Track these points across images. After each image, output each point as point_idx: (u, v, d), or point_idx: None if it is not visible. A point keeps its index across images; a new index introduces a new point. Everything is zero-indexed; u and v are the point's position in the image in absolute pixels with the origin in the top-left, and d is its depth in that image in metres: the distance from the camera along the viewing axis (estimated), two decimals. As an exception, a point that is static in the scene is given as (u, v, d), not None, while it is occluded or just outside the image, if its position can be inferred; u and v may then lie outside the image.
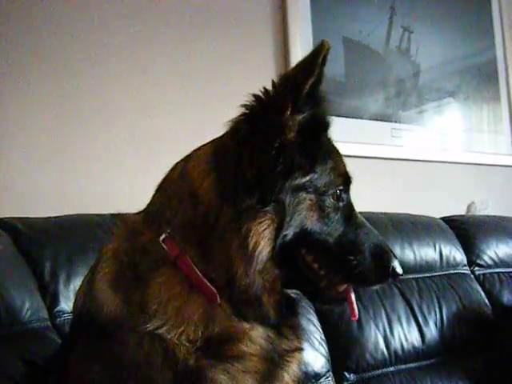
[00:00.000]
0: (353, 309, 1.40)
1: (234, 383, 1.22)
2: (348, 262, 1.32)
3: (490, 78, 4.30)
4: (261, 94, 1.29)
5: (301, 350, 1.41)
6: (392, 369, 2.59)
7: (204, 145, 1.41)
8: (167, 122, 2.75)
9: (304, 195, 1.28)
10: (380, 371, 2.56)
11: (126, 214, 1.44)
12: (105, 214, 2.12)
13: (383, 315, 2.65)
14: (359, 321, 2.57)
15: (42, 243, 1.97)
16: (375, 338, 2.58)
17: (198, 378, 1.19)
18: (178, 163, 1.41)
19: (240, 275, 1.23)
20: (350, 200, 1.41)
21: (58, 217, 2.11)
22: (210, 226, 1.26)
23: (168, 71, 2.82)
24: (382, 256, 1.36)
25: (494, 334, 2.84)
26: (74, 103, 2.54)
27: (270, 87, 1.29)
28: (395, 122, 3.65)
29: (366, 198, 3.28)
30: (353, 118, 3.44)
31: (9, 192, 2.34)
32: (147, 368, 1.19)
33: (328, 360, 2.45)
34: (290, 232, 1.26)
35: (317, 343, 2.44)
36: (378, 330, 2.60)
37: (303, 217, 1.28)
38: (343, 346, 2.53)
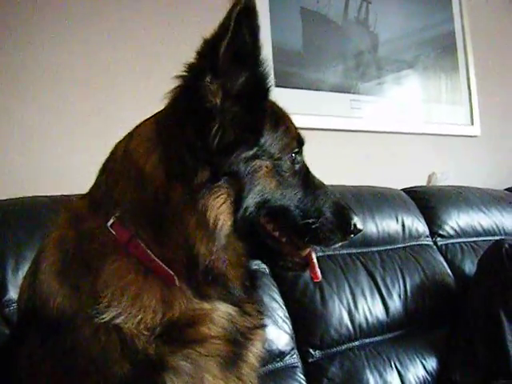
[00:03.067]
0: (315, 271, 1.40)
1: (196, 369, 1.17)
2: (310, 226, 1.32)
3: (449, 49, 4.29)
4: (190, 62, 1.21)
5: (264, 326, 1.38)
6: (357, 343, 2.57)
7: (145, 120, 1.33)
8: (124, 94, 2.65)
9: (259, 163, 1.24)
10: (345, 346, 2.54)
11: (69, 200, 1.36)
12: (56, 196, 2.02)
13: (347, 289, 2.63)
14: (323, 296, 2.54)
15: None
16: (339, 313, 2.55)
17: (159, 368, 1.14)
18: (119, 142, 1.33)
19: (203, 254, 1.18)
20: (304, 161, 1.40)
21: (4, 200, 1.99)
22: (161, 206, 1.19)
23: (123, 34, 2.71)
24: (343, 214, 1.37)
25: (457, 305, 2.83)
26: (23, 78, 2.42)
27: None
28: (354, 93, 3.61)
29: (326, 170, 3.24)
30: (312, 89, 3.38)
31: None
32: (104, 361, 1.12)
33: (292, 337, 2.42)
34: (250, 203, 1.22)
35: (280, 321, 2.40)
36: (342, 304, 2.57)
37: (262, 185, 1.24)
38: (307, 322, 2.50)
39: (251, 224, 1.24)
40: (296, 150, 1.34)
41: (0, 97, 2.35)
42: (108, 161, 1.32)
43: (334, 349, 2.50)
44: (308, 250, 1.38)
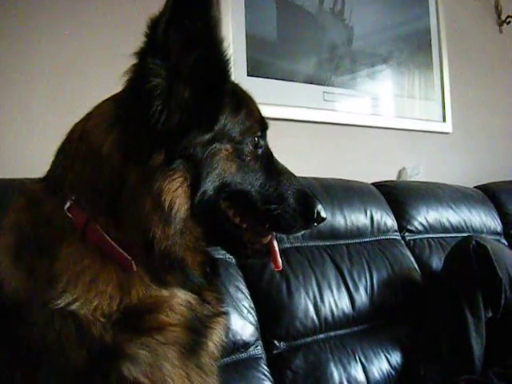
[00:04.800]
0: (277, 259, 1.37)
1: (154, 357, 1.14)
2: (272, 212, 1.29)
3: (423, 45, 4.28)
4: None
5: (224, 314, 1.36)
6: (322, 336, 2.55)
7: (104, 101, 1.30)
8: (90, 78, 2.58)
9: (218, 146, 1.21)
10: (310, 338, 2.52)
11: (24, 184, 1.31)
12: (16, 179, 1.96)
13: (313, 282, 2.60)
14: (289, 288, 2.52)
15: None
16: (305, 305, 2.53)
17: (115, 355, 1.10)
18: (77, 123, 1.29)
19: (159, 238, 1.14)
20: (267, 146, 1.37)
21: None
22: (117, 188, 1.16)
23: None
24: (306, 201, 1.34)
25: (423, 300, 2.84)
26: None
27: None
28: (328, 85, 3.57)
29: (297, 162, 3.24)
30: (285, 80, 3.35)
31: None
32: (59, 348, 1.08)
33: (257, 328, 2.40)
34: (208, 187, 1.19)
35: (245, 311, 2.37)
36: (308, 296, 2.55)
37: (221, 169, 1.21)
38: (272, 313, 2.47)
39: (211, 209, 1.21)
40: (258, 133, 1.31)
41: None
42: (64, 142, 1.28)
43: (299, 341, 2.48)
44: (269, 237, 1.36)
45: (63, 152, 1.27)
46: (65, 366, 1.08)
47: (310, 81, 3.47)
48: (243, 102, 1.32)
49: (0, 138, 2.36)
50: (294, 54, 3.41)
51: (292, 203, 1.32)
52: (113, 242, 1.15)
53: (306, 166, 3.28)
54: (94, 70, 2.61)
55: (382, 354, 2.62)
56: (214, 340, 1.30)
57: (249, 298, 2.43)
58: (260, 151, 1.31)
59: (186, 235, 1.19)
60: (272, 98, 3.23)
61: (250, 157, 1.27)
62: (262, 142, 1.32)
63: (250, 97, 1.37)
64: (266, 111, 3.12)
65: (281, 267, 1.37)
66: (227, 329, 1.39)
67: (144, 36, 1.15)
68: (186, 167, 1.16)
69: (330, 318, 2.58)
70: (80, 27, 2.61)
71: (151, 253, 1.15)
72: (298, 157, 3.28)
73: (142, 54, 1.15)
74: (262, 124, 1.35)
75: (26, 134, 2.41)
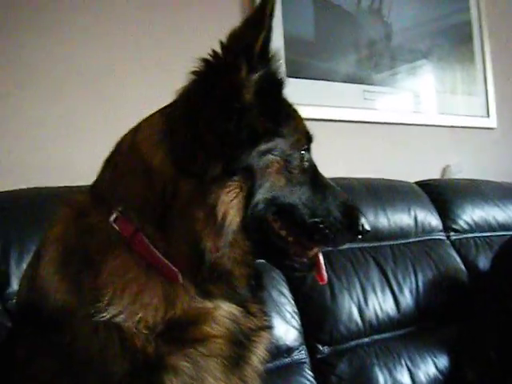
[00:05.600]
0: (322, 273, 1.37)
1: (197, 369, 1.14)
2: (318, 225, 1.29)
3: (464, 39, 4.20)
4: (210, 58, 1.20)
5: (269, 328, 1.35)
6: (367, 339, 2.53)
7: (152, 114, 1.30)
8: (134, 87, 2.60)
9: (271, 158, 1.21)
10: (354, 342, 2.49)
11: (70, 194, 1.32)
12: (62, 187, 1.99)
13: (357, 284, 2.58)
14: (332, 291, 2.50)
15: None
16: (349, 308, 2.50)
17: (157, 367, 1.10)
18: (125, 135, 1.30)
19: (209, 250, 1.14)
20: (312, 160, 1.36)
21: (9, 191, 1.96)
22: (169, 201, 1.16)
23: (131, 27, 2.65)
24: (351, 214, 1.35)
25: (470, 301, 2.78)
26: (28, 64, 2.37)
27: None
28: (368, 84, 3.53)
29: (338, 163, 3.23)
30: (324, 80, 3.31)
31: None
32: (103, 360, 1.09)
33: (301, 333, 2.39)
34: (260, 199, 1.19)
35: (288, 316, 2.37)
36: (352, 299, 2.53)
37: (272, 182, 1.21)
38: (316, 317, 2.46)
39: (259, 221, 1.21)
40: (305, 146, 1.31)
41: (4, 87, 2.32)
42: (113, 154, 1.29)
43: (343, 345, 2.46)
44: (315, 250, 1.35)
45: (111, 163, 1.28)
46: (108, 378, 1.09)
47: (349, 80, 3.43)
48: (291, 115, 1.32)
49: (46, 146, 2.38)
50: (333, 54, 3.38)
51: (338, 216, 1.31)
52: (159, 254, 1.15)
53: (347, 166, 3.26)
54: (137, 79, 2.63)
55: (428, 358, 2.57)
56: (258, 354, 1.29)
57: (292, 302, 2.42)
58: (306, 164, 1.30)
59: (235, 248, 1.19)
60: (311, 98, 3.21)
61: (297, 170, 1.26)
62: (307, 156, 1.32)
63: (295, 109, 1.36)
64: (305, 112, 3.13)
65: (326, 281, 1.37)
66: (271, 343, 1.37)
67: (228, 49, 1.18)
68: (243, 178, 1.16)
69: (374, 321, 2.55)
70: (122, 35, 2.64)
71: (200, 265, 1.15)
72: (339, 157, 3.27)
73: (230, 69, 1.17)
74: (307, 137, 1.34)
75: (72, 141, 2.44)
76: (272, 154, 1.21)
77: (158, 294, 1.14)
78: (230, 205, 1.14)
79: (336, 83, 3.38)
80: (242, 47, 1.16)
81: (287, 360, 2.30)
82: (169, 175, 1.17)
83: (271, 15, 1.17)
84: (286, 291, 2.42)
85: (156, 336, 1.11)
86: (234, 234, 1.17)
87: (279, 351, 2.27)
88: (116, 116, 2.52)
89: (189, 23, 2.80)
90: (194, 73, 1.21)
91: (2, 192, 1.95)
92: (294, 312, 2.40)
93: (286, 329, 2.32)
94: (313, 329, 2.44)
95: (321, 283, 1.40)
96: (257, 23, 1.16)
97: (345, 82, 3.41)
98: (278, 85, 1.28)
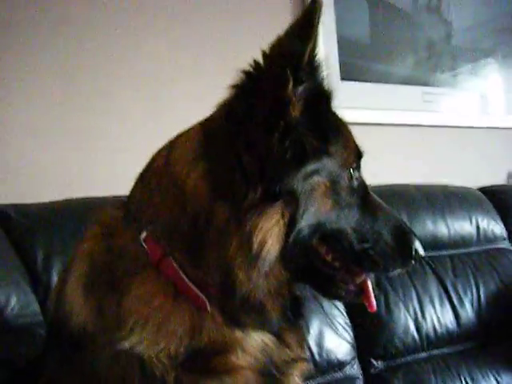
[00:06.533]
0: (371, 300, 1.25)
1: None
2: (367, 251, 1.19)
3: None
4: (251, 70, 1.10)
5: (304, 360, 1.26)
6: (424, 354, 2.44)
7: (190, 128, 1.22)
8: (182, 96, 2.58)
9: (317, 179, 1.11)
10: (410, 357, 2.41)
11: (103, 208, 1.28)
12: (106, 197, 1.97)
13: (414, 296, 2.49)
14: (387, 303, 2.42)
15: (34, 231, 1.83)
16: (405, 321, 2.42)
17: None
18: (160, 150, 1.22)
19: (241, 280, 1.06)
20: (362, 178, 1.25)
21: (53, 202, 1.97)
22: (201, 225, 1.09)
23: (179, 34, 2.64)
24: (403, 238, 1.23)
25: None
26: (80, 78, 2.38)
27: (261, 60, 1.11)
28: (427, 85, 3.41)
29: (395, 168, 3.12)
30: (380, 82, 3.22)
31: (10, 175, 2.20)
32: None
33: (353, 347, 2.31)
34: (304, 225, 1.09)
35: (340, 328, 2.29)
36: (408, 312, 2.44)
37: (318, 206, 1.11)
38: (370, 330, 2.38)
39: (302, 247, 1.12)
40: (354, 164, 1.20)
41: (52, 100, 2.34)
42: (146, 170, 1.23)
43: (399, 360, 2.37)
44: (363, 276, 1.24)
45: (144, 181, 1.21)
46: None
47: (407, 82, 3.33)
48: (340, 131, 1.22)
49: (94, 155, 2.39)
50: (389, 55, 3.28)
51: (389, 241, 1.21)
52: (187, 280, 1.09)
53: (405, 171, 3.14)
54: (185, 89, 2.60)
55: (491, 376, 2.45)
56: None
57: (344, 314, 2.34)
58: (356, 184, 1.20)
59: (270, 279, 1.10)
60: (367, 102, 3.12)
61: (346, 191, 1.17)
62: (357, 174, 1.22)
63: (345, 124, 1.27)
64: (360, 116, 3.04)
65: (375, 308, 1.26)
66: (305, 375, 1.27)
67: (272, 60, 1.09)
68: (285, 203, 1.07)
69: (432, 335, 2.45)
70: (172, 41, 2.62)
71: (230, 295, 1.08)
72: (396, 162, 3.16)
73: (276, 83, 1.07)
74: (357, 154, 1.24)
75: (123, 148, 2.44)
76: (319, 175, 1.12)
77: (184, 323, 1.08)
78: (269, 232, 1.06)
79: (393, 85, 3.27)
80: (288, 58, 1.07)
81: (339, 375, 2.24)
82: (203, 199, 1.09)
83: (319, 22, 1.07)
84: (339, 302, 2.33)
85: (178, 365, 1.06)
86: (270, 264, 1.08)
87: (330, 365, 2.21)
88: (164, 128, 2.49)
89: (243, 30, 2.77)
90: (234, 86, 1.12)
91: (45, 203, 1.95)
92: (347, 324, 2.32)
93: (337, 342, 2.25)
94: (366, 342, 2.36)
95: (370, 311, 1.30)
96: (304, 31, 1.07)
97: (402, 83, 3.31)
98: (327, 97, 1.19)
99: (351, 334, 2.31)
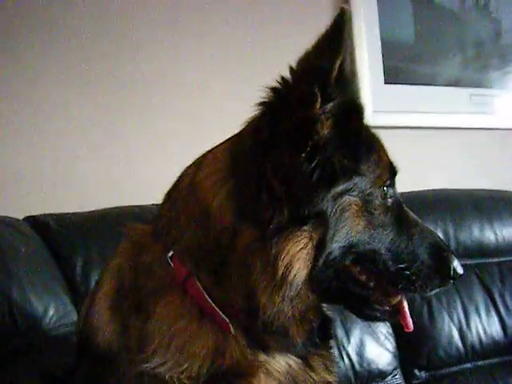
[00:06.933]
0: (407, 321, 1.23)
1: None
2: (402, 271, 1.15)
3: None
4: (279, 86, 1.08)
5: None
6: (469, 365, 2.38)
7: (217, 146, 1.20)
8: (217, 106, 2.58)
9: (348, 200, 1.08)
10: (455, 368, 2.36)
11: (135, 224, 1.29)
12: (145, 206, 1.99)
13: (459, 305, 2.43)
14: (431, 312, 2.37)
15: (73, 241, 1.87)
16: (449, 330, 2.37)
17: None
18: (188, 168, 1.22)
19: (264, 304, 1.04)
20: (397, 195, 1.21)
21: (92, 211, 2.00)
22: (225, 248, 1.07)
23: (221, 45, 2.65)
24: (441, 257, 1.20)
25: None
26: (122, 91, 2.43)
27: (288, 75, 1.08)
28: (475, 87, 3.31)
29: (441, 173, 3.04)
30: (425, 84, 3.15)
31: (49, 185, 2.26)
32: None
33: (395, 356, 2.28)
34: (334, 248, 1.07)
35: (382, 338, 2.27)
36: (453, 321, 2.38)
37: (349, 227, 1.08)
38: (412, 340, 2.32)
39: (334, 270, 1.09)
40: (388, 182, 1.17)
41: (99, 112, 2.39)
42: (172, 189, 1.22)
43: (442, 370, 2.33)
44: (399, 297, 1.21)
45: (170, 200, 1.21)
46: None
47: (454, 83, 3.25)
48: (373, 147, 1.18)
49: (134, 164, 2.43)
50: (435, 56, 3.20)
51: (426, 260, 1.17)
52: (211, 302, 1.08)
53: (452, 176, 3.07)
54: (226, 95, 2.61)
55: (540, 389, 2.36)
56: None
57: (387, 323, 2.28)
58: (389, 202, 1.17)
59: (295, 303, 1.07)
60: (412, 105, 3.06)
61: (379, 210, 1.14)
62: (391, 191, 1.18)
63: (378, 139, 1.23)
64: (405, 120, 2.97)
65: (411, 329, 1.24)
66: None
67: (300, 78, 1.06)
68: (313, 226, 1.04)
69: (477, 345, 2.39)
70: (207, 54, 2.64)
71: (253, 319, 1.07)
72: (442, 167, 3.09)
73: (303, 101, 1.04)
74: (391, 170, 1.20)
75: (162, 158, 2.46)
76: (349, 195, 1.08)
77: (208, 344, 1.07)
78: (296, 257, 1.03)
79: (439, 87, 3.20)
80: (316, 74, 1.04)
81: (380, 385, 2.19)
82: (228, 222, 1.07)
83: (347, 34, 1.05)
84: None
85: None
86: (297, 288, 1.05)
87: (371, 375, 2.18)
88: (199, 137, 2.51)
89: (280, 38, 2.75)
90: (261, 103, 1.09)
91: (84, 212, 1.99)
92: (389, 333, 2.29)
93: (378, 352, 2.22)
94: (409, 352, 2.32)
95: (406, 331, 1.26)
96: (332, 45, 1.04)
97: (449, 85, 3.23)
98: (358, 113, 1.15)
99: (393, 343, 2.28)
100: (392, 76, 3.02)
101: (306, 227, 1.04)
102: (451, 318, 2.37)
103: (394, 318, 1.24)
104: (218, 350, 1.07)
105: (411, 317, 2.28)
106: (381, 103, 2.92)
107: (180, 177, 1.22)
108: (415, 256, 1.17)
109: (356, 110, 1.15)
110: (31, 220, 1.92)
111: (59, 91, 2.30)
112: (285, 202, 1.03)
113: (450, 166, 3.14)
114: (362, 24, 2.93)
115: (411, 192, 2.67)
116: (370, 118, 2.96)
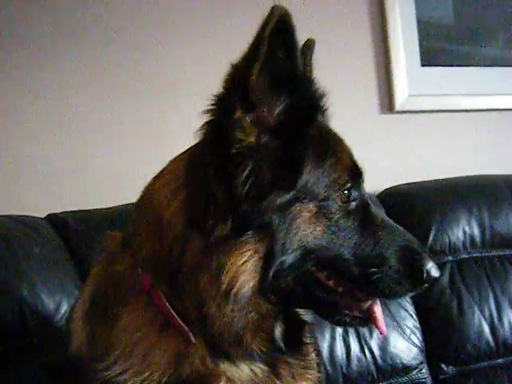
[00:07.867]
0: (379, 326, 1.18)
1: None
2: (370, 276, 1.11)
3: None
4: (217, 94, 1.05)
5: None
6: (500, 361, 2.31)
7: (179, 155, 1.20)
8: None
9: (299, 207, 1.06)
10: (485, 363, 2.29)
11: (112, 233, 1.29)
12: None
13: (491, 298, 2.35)
14: (460, 305, 2.31)
15: (91, 238, 1.90)
16: (479, 324, 2.30)
17: None
18: (154, 178, 1.20)
19: (212, 315, 1.05)
20: (363, 197, 1.17)
21: (110, 208, 2.04)
22: (177, 259, 1.07)
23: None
24: (413, 260, 1.14)
25: None
26: (150, 84, 2.47)
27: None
28: (519, 66, 3.14)
29: (482, 159, 2.92)
30: (466, 66, 3.02)
31: (67, 181, 2.31)
32: None
33: (422, 350, 2.24)
34: (288, 256, 1.05)
35: (408, 331, 2.23)
36: (484, 315, 2.31)
37: (302, 234, 1.06)
38: (440, 334, 2.29)
39: (295, 276, 1.08)
40: (348, 185, 1.13)
41: (110, 111, 2.42)
42: (139, 199, 1.22)
43: (471, 366, 2.27)
44: (369, 302, 1.18)
45: (136, 209, 1.22)
46: None
47: (497, 63, 3.10)
48: (329, 149, 1.14)
49: (149, 161, 2.43)
50: (476, 36, 3.06)
51: (394, 264, 1.13)
52: (172, 311, 1.09)
53: (494, 161, 2.94)
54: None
55: None
56: None
57: (414, 316, 2.27)
58: (352, 205, 1.13)
59: (246, 313, 1.07)
60: (451, 87, 2.94)
61: (338, 214, 1.10)
62: (354, 194, 1.14)
63: (338, 139, 1.19)
64: (445, 103, 2.85)
65: (385, 332, 1.21)
66: None
67: (226, 84, 1.02)
68: (257, 238, 1.03)
69: (509, 340, 2.32)
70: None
71: (207, 328, 1.07)
72: (483, 152, 2.97)
73: (225, 108, 1.02)
74: (353, 172, 1.16)
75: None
76: (300, 202, 1.06)
77: (169, 353, 1.08)
78: (240, 269, 1.03)
79: (481, 68, 3.06)
80: (236, 81, 1.01)
81: (404, 379, 2.18)
82: (179, 231, 1.07)
83: (271, 38, 0.96)
84: (408, 304, 2.28)
85: None
86: (245, 300, 1.05)
87: (394, 370, 2.14)
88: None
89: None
90: (206, 112, 1.06)
91: (102, 209, 2.03)
92: (415, 327, 2.25)
93: (404, 345, 2.19)
94: (436, 346, 2.28)
95: (380, 335, 1.23)
96: (253, 49, 0.99)
97: (491, 65, 3.08)
98: (307, 115, 1.10)
99: (420, 337, 2.24)
100: (429, 58, 2.92)
101: (250, 239, 1.02)
102: (482, 312, 2.30)
103: (366, 323, 1.20)
104: (179, 359, 1.08)
105: (439, 311, 2.27)
106: (417, 86, 2.83)
107: (146, 187, 1.21)
108: (382, 259, 1.12)
109: (305, 113, 1.10)
110: (52, 218, 1.97)
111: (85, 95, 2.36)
112: (229, 213, 1.02)
113: (490, 150, 3.01)
114: (396, 4, 2.83)
115: (445, 179, 2.60)
116: (406, 102, 2.90)
